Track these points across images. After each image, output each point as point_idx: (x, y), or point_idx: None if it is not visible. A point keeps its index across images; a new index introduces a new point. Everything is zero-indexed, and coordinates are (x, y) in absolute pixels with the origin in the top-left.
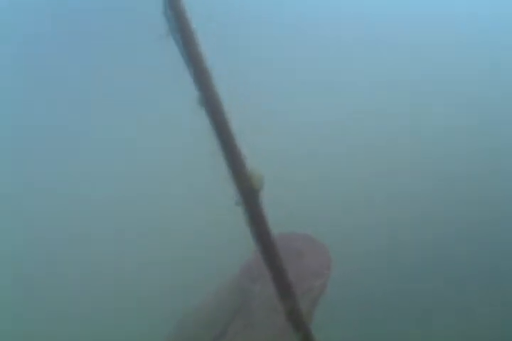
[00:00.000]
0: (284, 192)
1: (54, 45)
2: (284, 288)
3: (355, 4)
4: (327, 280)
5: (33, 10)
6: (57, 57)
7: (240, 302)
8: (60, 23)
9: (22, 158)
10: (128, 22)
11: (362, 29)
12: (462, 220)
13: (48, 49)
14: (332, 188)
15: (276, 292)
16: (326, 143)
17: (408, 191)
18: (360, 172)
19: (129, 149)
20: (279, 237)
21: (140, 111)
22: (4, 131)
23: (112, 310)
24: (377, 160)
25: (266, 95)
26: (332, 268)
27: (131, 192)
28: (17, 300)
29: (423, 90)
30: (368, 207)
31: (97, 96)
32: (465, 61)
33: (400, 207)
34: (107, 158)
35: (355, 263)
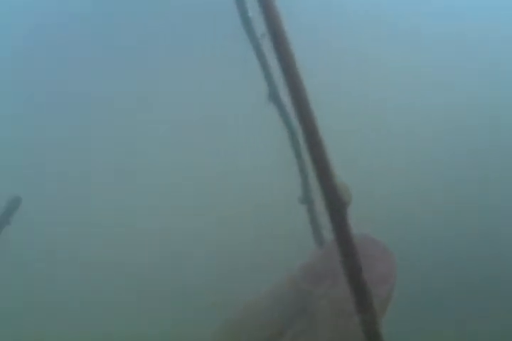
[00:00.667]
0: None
1: None
2: (363, 300)
3: None
4: (393, 287)
5: None
6: None
7: (301, 304)
8: None
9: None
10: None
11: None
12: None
13: None
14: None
15: (355, 305)
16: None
17: None
18: None
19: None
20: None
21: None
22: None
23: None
24: None
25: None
26: (396, 275)
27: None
28: None
29: None
30: None
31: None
32: None
33: None
34: None
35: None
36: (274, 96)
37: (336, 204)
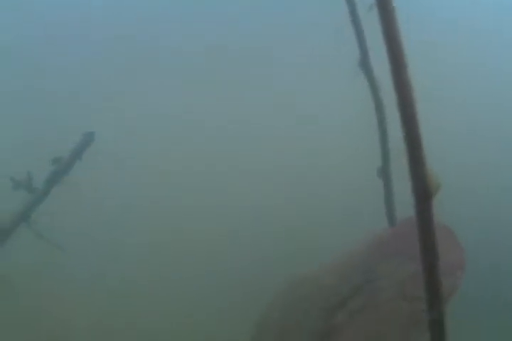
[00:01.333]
0: None
1: None
2: (434, 297)
3: None
4: (459, 281)
5: None
6: None
7: (364, 279)
8: None
9: None
10: None
11: None
12: None
13: None
14: None
15: (425, 300)
16: None
17: None
18: None
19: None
20: (409, 219)
21: None
22: None
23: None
24: None
25: None
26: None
27: None
28: None
29: None
30: None
31: None
32: None
33: None
34: None
35: None
36: (364, 64)
37: (423, 192)
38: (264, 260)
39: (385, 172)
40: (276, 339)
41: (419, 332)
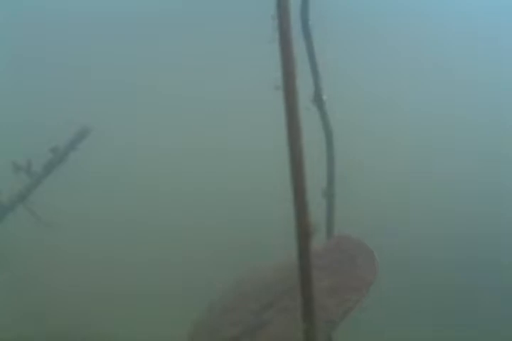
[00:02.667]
0: None
1: None
2: (307, 311)
3: None
4: (363, 297)
5: None
6: None
7: (292, 283)
8: None
9: None
10: None
11: None
12: None
13: None
14: None
15: (302, 314)
16: None
17: None
18: None
19: None
20: (339, 238)
21: None
22: None
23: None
24: None
25: None
26: (372, 286)
27: None
28: None
29: None
30: None
31: None
32: None
33: None
34: None
35: None
36: (318, 99)
37: (305, 232)
38: None
39: (329, 194)
40: (214, 329)
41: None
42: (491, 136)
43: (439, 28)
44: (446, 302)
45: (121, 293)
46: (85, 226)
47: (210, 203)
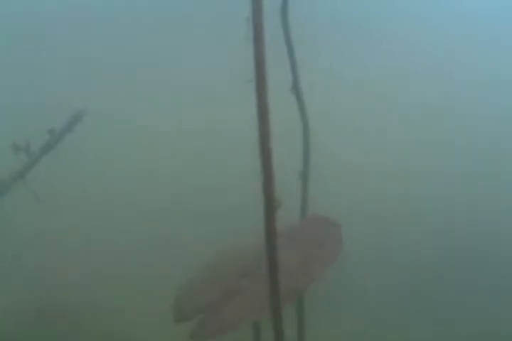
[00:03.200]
0: None
1: None
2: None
3: None
4: (329, 267)
5: None
6: None
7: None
8: None
9: None
10: None
11: None
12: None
13: None
14: None
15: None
16: None
17: None
18: None
19: None
20: (310, 216)
21: None
22: None
23: None
24: None
25: None
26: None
27: None
28: None
29: None
30: None
31: None
32: None
33: None
34: None
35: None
36: (295, 88)
37: (271, 206)
38: None
39: (304, 176)
40: (194, 298)
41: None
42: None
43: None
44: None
45: (120, 272)
46: (81, 205)
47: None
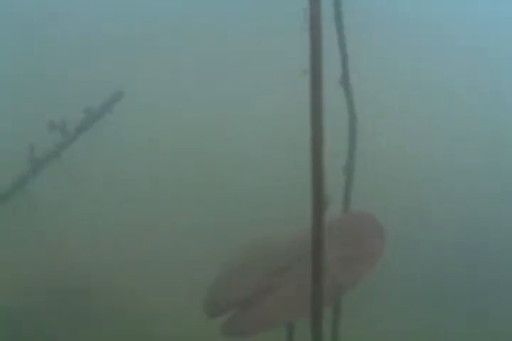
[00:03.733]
0: None
1: None
2: (317, 277)
3: None
4: (371, 269)
5: None
6: None
7: (304, 252)
8: None
9: None
10: None
11: None
12: None
13: None
14: None
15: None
16: None
17: None
18: None
19: None
20: (353, 212)
21: None
22: None
23: None
24: None
25: None
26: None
27: None
28: None
29: None
30: None
31: None
32: None
33: None
34: None
35: None
36: (344, 81)
37: (319, 204)
38: None
39: (348, 170)
40: (226, 291)
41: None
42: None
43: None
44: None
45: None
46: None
47: (232, 171)
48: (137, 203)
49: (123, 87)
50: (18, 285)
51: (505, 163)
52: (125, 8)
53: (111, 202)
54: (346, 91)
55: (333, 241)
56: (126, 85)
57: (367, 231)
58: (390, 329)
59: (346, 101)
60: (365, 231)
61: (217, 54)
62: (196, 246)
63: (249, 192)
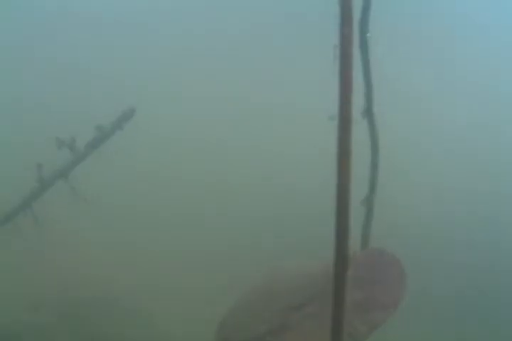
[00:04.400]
0: None
1: None
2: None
3: None
4: (390, 316)
5: None
6: None
7: (322, 289)
8: None
9: None
10: None
11: None
12: None
13: None
14: None
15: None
16: None
17: None
18: None
19: None
20: (373, 250)
21: None
22: None
23: None
24: None
25: None
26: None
27: None
28: None
29: None
30: None
31: None
32: None
33: None
34: None
35: None
36: (368, 113)
37: (343, 263)
38: None
39: (369, 202)
40: (240, 325)
41: None
42: None
43: None
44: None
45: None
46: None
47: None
48: (146, 224)
49: (134, 104)
50: (23, 302)
51: None
52: (139, 26)
53: (118, 223)
54: (370, 123)
55: (351, 282)
56: (138, 103)
57: (387, 275)
58: None
59: (369, 134)
60: (385, 274)
61: (243, 99)
62: (202, 270)
63: (271, 221)
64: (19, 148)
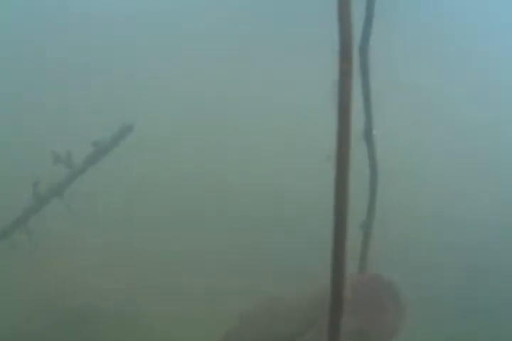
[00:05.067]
0: None
1: None
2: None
3: None
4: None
5: None
6: None
7: (315, 318)
8: None
9: None
10: None
11: None
12: None
13: None
14: None
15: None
16: None
17: None
18: None
19: None
20: (371, 276)
21: None
22: None
23: None
24: None
25: None
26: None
27: None
28: None
29: None
30: None
31: None
32: None
33: None
34: None
35: None
36: (367, 136)
37: (339, 304)
38: None
39: (367, 226)
40: None
41: None
42: None
43: None
44: None
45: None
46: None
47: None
48: (144, 244)
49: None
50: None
51: None
52: (136, 40)
53: (116, 239)
54: (369, 146)
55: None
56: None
57: (385, 303)
58: None
59: (368, 157)
60: (383, 302)
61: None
62: (202, 273)
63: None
64: (13, 164)
